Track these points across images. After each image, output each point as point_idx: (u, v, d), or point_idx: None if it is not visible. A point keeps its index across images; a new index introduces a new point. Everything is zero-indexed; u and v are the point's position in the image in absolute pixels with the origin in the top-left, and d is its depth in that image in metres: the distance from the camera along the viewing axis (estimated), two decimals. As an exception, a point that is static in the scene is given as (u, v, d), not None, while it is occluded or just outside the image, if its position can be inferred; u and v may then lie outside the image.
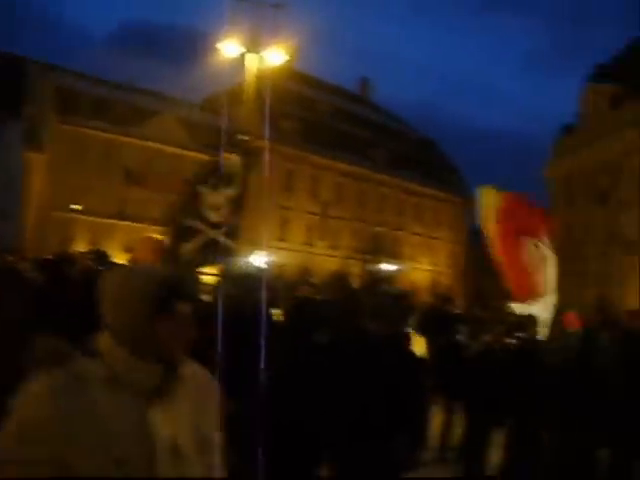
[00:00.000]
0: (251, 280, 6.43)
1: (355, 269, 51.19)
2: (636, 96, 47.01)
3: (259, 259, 18.26)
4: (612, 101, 50.60)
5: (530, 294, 9.23)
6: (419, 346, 10.23)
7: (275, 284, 7.27)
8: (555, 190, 56.04)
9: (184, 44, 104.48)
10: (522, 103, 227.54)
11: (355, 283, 9.69)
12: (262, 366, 4.88)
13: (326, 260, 56.30)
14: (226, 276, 6.20)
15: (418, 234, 68.40)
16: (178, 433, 2.05)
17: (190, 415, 2.11)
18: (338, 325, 5.13)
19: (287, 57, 22.35)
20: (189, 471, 2.06)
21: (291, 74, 51.39)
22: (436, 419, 8.30)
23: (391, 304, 4.75)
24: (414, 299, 18.39)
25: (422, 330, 11.00)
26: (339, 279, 7.51)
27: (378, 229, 63.62)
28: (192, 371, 2.18)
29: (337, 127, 61.71)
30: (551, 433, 5.95)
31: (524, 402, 6.17)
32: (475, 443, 6.13)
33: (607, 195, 48.19)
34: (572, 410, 5.88)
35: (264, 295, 5.88)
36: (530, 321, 7.62)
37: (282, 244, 52.44)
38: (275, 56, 21.47)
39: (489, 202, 9.91)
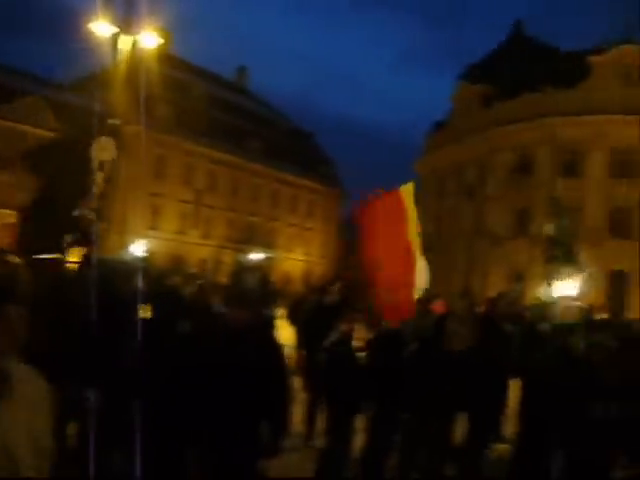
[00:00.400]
0: (117, 268, 6.25)
1: (228, 258, 50.85)
2: (504, 97, 49.09)
3: (136, 248, 17.77)
4: (482, 100, 52.63)
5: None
6: (288, 334, 10.28)
7: (145, 273, 7.10)
8: (426, 184, 57.73)
9: (53, 21, 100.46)
10: (401, 99, 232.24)
11: (225, 272, 9.61)
12: (128, 357, 4.75)
13: (199, 249, 55.72)
14: (90, 262, 6.01)
15: (293, 225, 68.79)
16: (9, 436, 1.95)
17: (23, 419, 2.01)
18: (201, 314, 5.07)
19: (162, 41, 21.86)
20: (21, 473, 1.96)
21: (166, 59, 50.36)
22: (303, 406, 8.35)
23: (255, 292, 4.71)
24: (284, 288, 18.53)
25: (293, 319, 11.08)
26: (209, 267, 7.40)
27: (252, 219, 63.50)
28: (24, 374, 2.05)
29: (212, 114, 60.97)
30: (411, 415, 6.11)
31: (384, 387, 6.31)
32: (338, 428, 6.20)
33: (474, 190, 50.06)
34: (429, 392, 6.08)
35: (133, 284, 5.72)
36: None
37: (154, 232, 51.37)
38: (149, 39, 20.90)
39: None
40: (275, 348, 5.08)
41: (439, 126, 59.31)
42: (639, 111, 43.33)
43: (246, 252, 53.50)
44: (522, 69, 49.94)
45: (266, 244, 61.29)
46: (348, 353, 6.26)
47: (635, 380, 7.13)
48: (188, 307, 5.40)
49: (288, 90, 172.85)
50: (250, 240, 59.27)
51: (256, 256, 49.95)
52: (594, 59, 46.43)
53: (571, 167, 45.29)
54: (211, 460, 4.60)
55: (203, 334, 4.88)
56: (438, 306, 11.69)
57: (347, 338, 6.46)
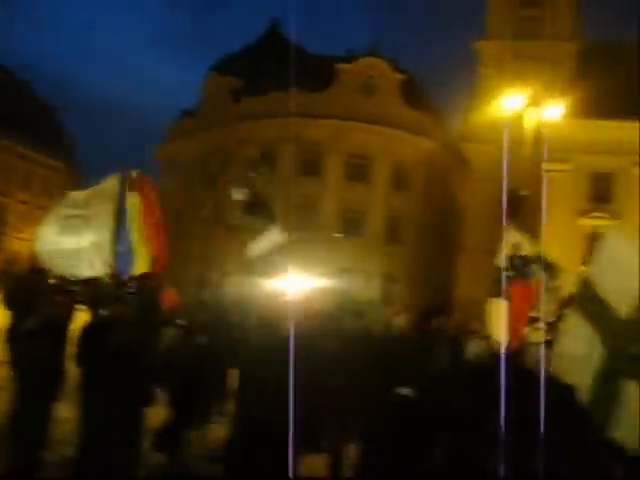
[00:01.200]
0: None
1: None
2: (253, 92, 50.04)
3: None
4: (231, 93, 53.22)
5: None
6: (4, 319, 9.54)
7: None
8: (167, 171, 57.13)
9: None
10: (154, 83, 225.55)
11: None
12: None
13: None
14: None
15: (24, 202, 64.79)
16: None
17: None
18: None
19: None
20: None
21: None
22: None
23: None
24: (8, 269, 17.27)
25: (10, 302, 10.31)
26: None
27: (-22, 193, 58.83)
28: None
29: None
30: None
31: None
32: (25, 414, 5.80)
33: (216, 180, 50.49)
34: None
35: None
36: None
37: None
38: None
39: None
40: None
41: (187, 114, 59.05)
42: (377, 120, 46.34)
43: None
44: (272, 67, 51.14)
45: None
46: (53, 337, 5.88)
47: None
48: None
49: (40, 62, 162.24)
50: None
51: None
52: (340, 67, 48.92)
53: (311, 166, 47.25)
54: None
55: None
56: (170, 295, 11.52)
57: (56, 321, 6.06)
